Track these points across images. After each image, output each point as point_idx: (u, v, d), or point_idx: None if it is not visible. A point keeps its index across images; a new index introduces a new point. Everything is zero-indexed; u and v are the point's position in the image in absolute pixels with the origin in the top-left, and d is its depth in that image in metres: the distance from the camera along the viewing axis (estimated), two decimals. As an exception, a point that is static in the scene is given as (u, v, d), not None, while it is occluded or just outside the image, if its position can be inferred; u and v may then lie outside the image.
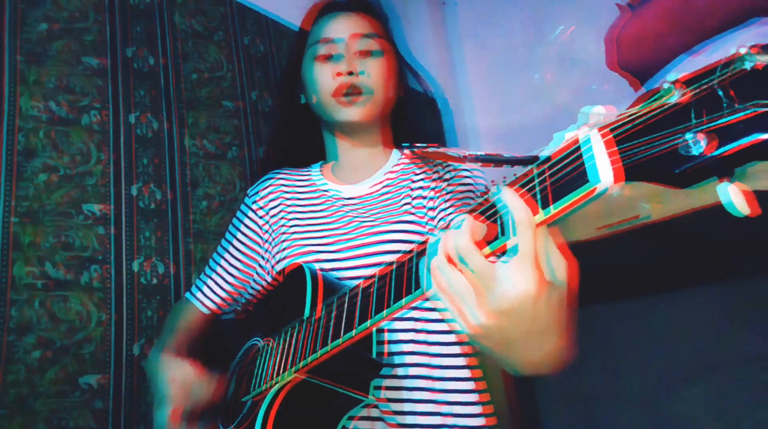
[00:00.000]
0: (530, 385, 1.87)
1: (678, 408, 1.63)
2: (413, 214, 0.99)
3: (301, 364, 0.76)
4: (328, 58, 1.06)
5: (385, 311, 0.64)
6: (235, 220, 1.16)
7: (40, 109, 1.37)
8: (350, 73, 1.03)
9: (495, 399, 0.94)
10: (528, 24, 2.54)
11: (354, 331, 0.69)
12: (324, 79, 1.05)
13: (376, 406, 0.87)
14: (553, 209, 0.48)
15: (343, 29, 1.07)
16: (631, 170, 0.44)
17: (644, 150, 0.43)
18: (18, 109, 1.33)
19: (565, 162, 0.49)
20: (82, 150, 1.41)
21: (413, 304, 0.62)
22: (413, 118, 1.19)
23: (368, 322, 0.67)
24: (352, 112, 1.03)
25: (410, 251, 0.65)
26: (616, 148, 0.45)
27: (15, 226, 1.24)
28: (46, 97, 1.38)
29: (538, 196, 0.50)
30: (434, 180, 1.03)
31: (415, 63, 1.21)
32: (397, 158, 1.11)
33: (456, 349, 0.94)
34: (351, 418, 0.85)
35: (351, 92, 1.02)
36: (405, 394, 0.88)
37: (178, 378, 0.91)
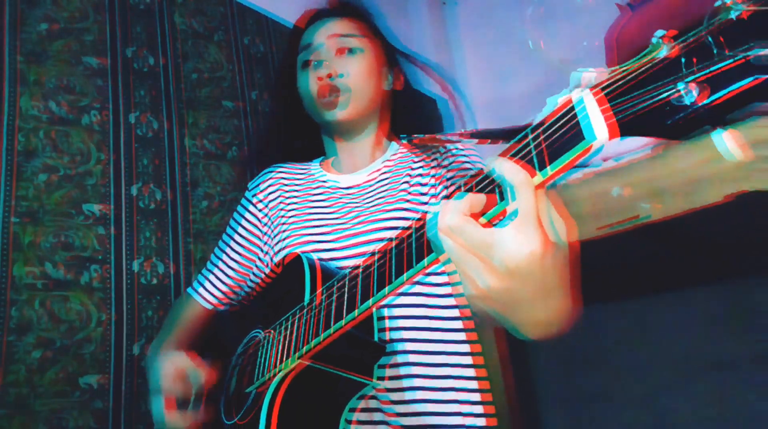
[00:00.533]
0: (530, 385, 1.87)
1: (678, 408, 1.63)
2: (410, 201, 1.00)
3: (304, 349, 0.76)
4: (312, 64, 1.10)
5: (387, 288, 0.64)
6: (235, 215, 1.17)
7: (40, 109, 1.36)
8: (330, 77, 1.06)
9: (495, 398, 0.94)
10: (528, 24, 2.54)
11: (356, 311, 0.69)
12: (307, 85, 1.09)
13: (374, 397, 0.88)
14: (550, 170, 0.49)
15: (323, 33, 1.11)
16: (625, 125, 0.45)
17: (637, 104, 0.44)
18: (18, 109, 1.33)
19: (560, 123, 0.50)
20: (82, 150, 1.41)
21: (414, 280, 0.62)
22: (412, 112, 1.21)
23: (370, 301, 0.67)
24: (335, 114, 1.07)
25: (408, 228, 0.65)
26: (608, 106, 0.46)
27: (15, 226, 1.24)
28: (46, 97, 1.38)
29: (535, 160, 0.51)
30: (433, 167, 1.04)
31: (425, 60, 1.22)
32: (395, 148, 1.13)
33: (458, 336, 0.95)
34: (353, 410, 0.85)
35: (331, 93, 1.05)
36: (405, 382, 0.89)
37: (172, 368, 0.92)
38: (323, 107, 1.07)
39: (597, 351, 1.81)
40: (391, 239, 0.68)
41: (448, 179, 1.01)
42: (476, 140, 0.56)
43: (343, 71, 1.07)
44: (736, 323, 1.61)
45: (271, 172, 1.18)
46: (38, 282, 1.24)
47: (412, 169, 1.06)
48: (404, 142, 0.78)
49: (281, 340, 0.83)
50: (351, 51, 1.09)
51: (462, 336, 0.96)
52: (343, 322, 0.71)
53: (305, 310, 0.81)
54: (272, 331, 0.88)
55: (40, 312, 1.22)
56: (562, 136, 0.49)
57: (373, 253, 0.71)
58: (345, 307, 0.72)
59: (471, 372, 0.94)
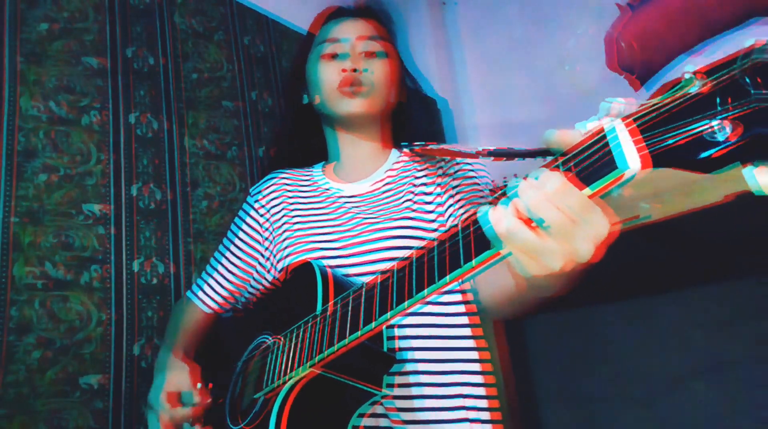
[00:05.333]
0: (530, 385, 1.87)
1: (678, 408, 1.63)
2: (415, 210, 1.00)
3: (317, 358, 0.76)
4: (334, 56, 1.09)
5: (406, 302, 0.65)
6: (237, 220, 1.17)
7: (40, 109, 1.37)
8: (354, 70, 1.05)
9: (502, 403, 0.94)
10: (528, 24, 2.54)
11: (373, 323, 0.69)
12: (329, 75, 1.08)
13: (381, 404, 0.88)
14: None
15: (350, 31, 1.10)
16: (658, 156, 0.46)
17: (669, 137, 0.45)
18: (18, 109, 1.33)
19: (592, 150, 0.50)
20: (82, 150, 1.41)
21: (434, 296, 0.63)
22: (413, 121, 1.21)
23: (388, 314, 0.67)
24: (355, 103, 1.06)
25: (427, 245, 0.65)
26: (641, 136, 0.47)
27: (15, 226, 1.24)
28: (46, 97, 1.38)
29: None
30: (438, 175, 1.04)
31: (412, 67, 1.23)
32: (396, 156, 1.12)
33: (466, 343, 0.95)
34: (361, 416, 0.85)
35: (354, 84, 1.05)
36: (414, 390, 0.89)
37: (172, 384, 0.95)
38: (343, 95, 1.06)
39: (597, 351, 1.82)
40: (411, 255, 0.68)
41: (453, 188, 1.01)
42: (492, 158, 0.57)
43: (368, 68, 1.08)
44: (736, 323, 1.61)
45: (274, 177, 1.18)
46: (38, 282, 1.24)
47: (416, 177, 1.06)
48: (406, 149, 0.78)
49: (292, 347, 0.83)
50: (376, 54, 1.10)
51: (470, 343, 0.96)
52: (358, 333, 0.71)
53: (318, 318, 0.81)
54: (282, 338, 0.88)
55: (40, 312, 1.22)
56: (594, 163, 0.49)
57: (391, 268, 0.71)
58: (362, 317, 0.72)
59: (479, 378, 0.94)
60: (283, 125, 1.24)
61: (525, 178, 0.55)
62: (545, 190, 0.51)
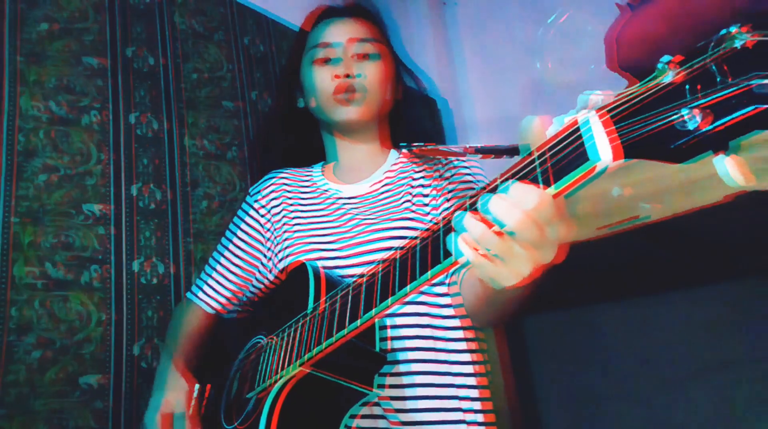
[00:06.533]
0: (530, 385, 1.87)
1: (678, 408, 1.63)
2: (413, 211, 1.00)
3: (305, 357, 0.76)
4: (326, 61, 1.09)
5: (390, 298, 0.65)
6: (235, 219, 1.17)
7: (40, 109, 1.36)
8: (347, 76, 1.05)
9: (497, 404, 0.94)
10: (528, 24, 2.54)
11: (359, 320, 0.69)
12: (322, 81, 1.08)
13: (377, 404, 0.88)
14: (554, 189, 0.51)
15: (341, 34, 1.10)
16: (630, 148, 0.46)
17: (641, 128, 0.45)
18: (18, 109, 1.33)
19: (565, 143, 0.51)
20: (82, 150, 1.41)
21: (419, 291, 0.63)
22: (411, 120, 1.21)
23: (373, 311, 0.67)
24: (349, 111, 1.06)
25: (408, 243, 0.66)
26: (614, 128, 0.47)
27: (15, 226, 1.24)
28: (46, 97, 1.38)
29: (539, 178, 0.52)
30: (435, 178, 1.04)
31: (413, 65, 1.23)
32: (395, 157, 1.13)
33: (459, 345, 0.95)
34: (353, 416, 0.86)
35: (348, 91, 1.05)
36: (408, 391, 0.89)
37: (168, 406, 0.96)
38: (337, 103, 1.06)
39: (597, 351, 1.82)
40: (394, 252, 0.68)
41: (449, 191, 1.02)
42: (480, 155, 0.58)
43: (361, 73, 1.08)
44: (737, 323, 1.61)
45: (273, 177, 1.18)
46: (38, 282, 1.24)
47: (414, 179, 1.06)
48: (404, 150, 0.79)
49: (283, 346, 0.84)
50: (369, 57, 1.10)
51: (463, 345, 0.96)
52: (345, 331, 0.71)
53: (308, 317, 0.82)
54: (275, 338, 0.88)
55: (40, 312, 1.22)
56: (567, 155, 0.50)
57: (376, 266, 0.71)
58: (348, 315, 0.72)
59: (473, 380, 0.94)
60: (279, 127, 1.24)
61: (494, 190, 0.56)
62: (525, 208, 0.52)
